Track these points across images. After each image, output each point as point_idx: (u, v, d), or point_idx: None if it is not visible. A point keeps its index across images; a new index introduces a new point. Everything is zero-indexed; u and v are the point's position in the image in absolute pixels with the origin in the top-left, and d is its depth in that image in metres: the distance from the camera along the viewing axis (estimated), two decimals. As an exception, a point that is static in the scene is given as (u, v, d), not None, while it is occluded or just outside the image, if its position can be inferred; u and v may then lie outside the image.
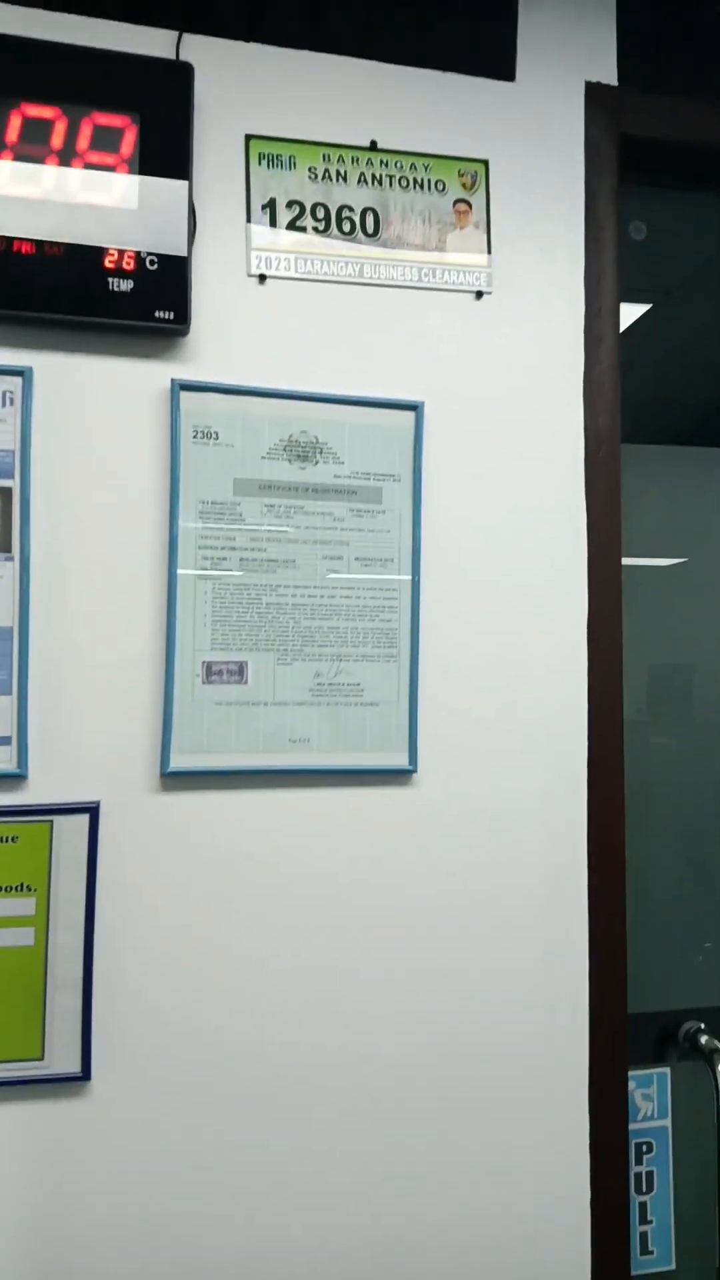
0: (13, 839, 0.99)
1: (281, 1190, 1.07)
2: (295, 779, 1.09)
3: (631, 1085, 1.23)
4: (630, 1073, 1.21)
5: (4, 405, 1.02)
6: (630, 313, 1.36)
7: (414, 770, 1.12)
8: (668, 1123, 1.26)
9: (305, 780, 1.10)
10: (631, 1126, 1.22)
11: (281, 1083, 1.07)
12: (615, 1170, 1.18)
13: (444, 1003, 1.12)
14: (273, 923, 1.08)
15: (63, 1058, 1.00)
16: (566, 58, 1.23)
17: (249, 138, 1.11)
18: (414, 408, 1.13)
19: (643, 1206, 1.23)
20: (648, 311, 1.40)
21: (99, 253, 1.03)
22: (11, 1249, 1.01)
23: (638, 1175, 1.24)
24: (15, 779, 1.01)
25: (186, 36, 1.10)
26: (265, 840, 1.08)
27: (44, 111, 1.03)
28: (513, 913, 1.15)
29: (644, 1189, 1.24)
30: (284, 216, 1.12)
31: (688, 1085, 1.29)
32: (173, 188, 1.05)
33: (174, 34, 1.09)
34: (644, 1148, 1.24)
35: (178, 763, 1.05)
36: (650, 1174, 1.24)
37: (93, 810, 1.02)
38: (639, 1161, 1.24)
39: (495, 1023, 1.14)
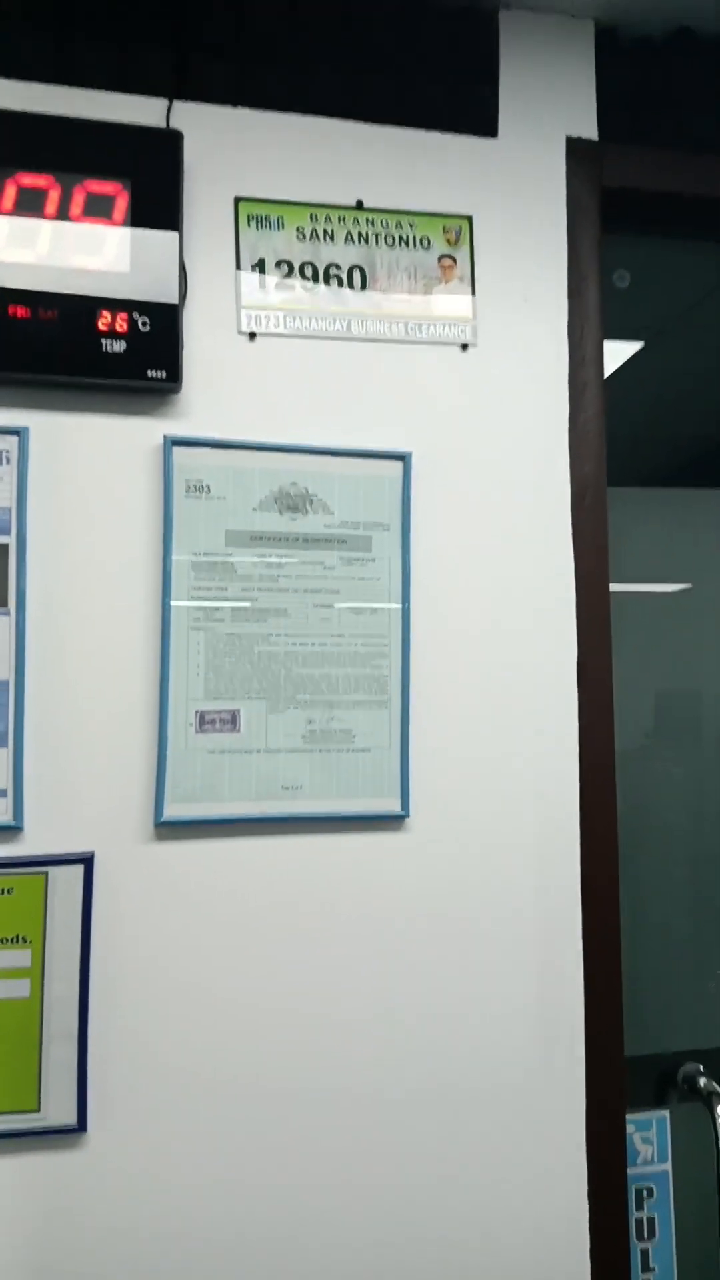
0: (8, 891, 1.00)
1: (279, 1238, 1.07)
2: (288, 826, 1.10)
3: (630, 1128, 1.22)
4: (629, 1116, 1.21)
5: (1, 464, 1.05)
6: (615, 359, 1.38)
7: (406, 815, 1.13)
8: (668, 1167, 1.25)
9: (298, 827, 1.10)
10: (631, 1171, 1.22)
11: (278, 1129, 1.07)
12: (615, 1216, 1.17)
13: (438, 1046, 1.12)
14: (267, 969, 1.08)
15: (59, 1109, 1.00)
16: (548, 114, 1.26)
17: (238, 200, 1.15)
18: (402, 458, 1.15)
19: (644, 1254, 1.22)
20: (632, 357, 1.42)
21: (92, 315, 1.06)
22: (8, 1302, 1.01)
23: (638, 1221, 1.23)
24: (11, 831, 1.02)
25: (176, 103, 1.14)
26: (259, 888, 1.09)
27: (38, 180, 1.06)
28: (507, 956, 1.15)
29: (645, 1235, 1.23)
30: (273, 275, 1.15)
31: (687, 1129, 1.28)
32: (164, 250, 1.08)
33: (164, 101, 1.13)
34: (644, 1193, 1.24)
35: (171, 812, 1.06)
36: (651, 1220, 1.23)
37: (88, 861, 1.03)
38: (640, 1207, 1.23)
39: (490, 1066, 1.14)
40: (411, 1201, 1.11)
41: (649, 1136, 1.24)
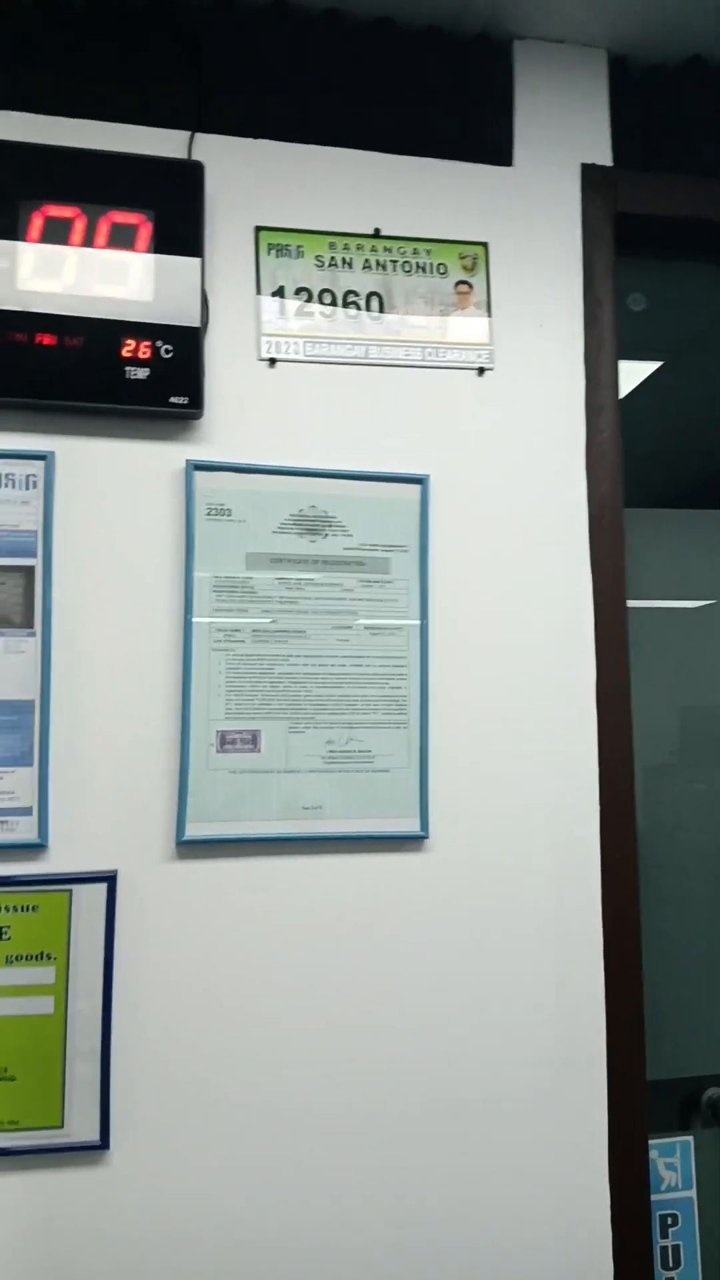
0: (33, 908, 1.02)
1: (299, 1257, 1.07)
2: (309, 846, 1.11)
3: (653, 1154, 1.21)
4: (651, 1140, 1.19)
5: (27, 488, 1.08)
6: (629, 380, 1.39)
7: (426, 836, 1.13)
8: (693, 1194, 1.23)
9: (319, 847, 1.11)
10: (655, 1198, 1.20)
11: (297, 1146, 1.07)
12: (640, 1244, 1.15)
13: (458, 1066, 1.12)
14: (286, 988, 1.09)
15: (82, 1126, 1.01)
16: (562, 141, 1.28)
17: (258, 229, 1.17)
18: (420, 481, 1.17)
19: (668, 1282, 1.21)
20: (647, 379, 1.43)
21: (117, 343, 1.09)
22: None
23: (663, 1249, 1.21)
24: (36, 849, 1.04)
25: (197, 135, 1.17)
26: (279, 907, 1.09)
27: (65, 211, 1.09)
28: (526, 977, 1.15)
29: (670, 1264, 1.21)
30: (292, 303, 1.17)
31: (712, 1154, 1.26)
32: (186, 278, 1.11)
33: (186, 134, 1.16)
34: (669, 1220, 1.22)
35: (193, 831, 1.07)
36: (676, 1248, 1.21)
37: (111, 879, 1.04)
38: (664, 1235, 1.22)
39: (509, 1086, 1.13)
40: (430, 1223, 1.10)
41: (673, 1162, 1.23)
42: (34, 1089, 1.00)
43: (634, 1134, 1.16)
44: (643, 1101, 1.16)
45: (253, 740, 1.11)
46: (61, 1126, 1.00)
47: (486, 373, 1.21)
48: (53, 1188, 1.01)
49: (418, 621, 1.15)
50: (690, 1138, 1.25)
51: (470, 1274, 1.10)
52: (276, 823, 1.10)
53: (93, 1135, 1.01)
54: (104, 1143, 1.01)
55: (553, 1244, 1.12)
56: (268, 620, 1.12)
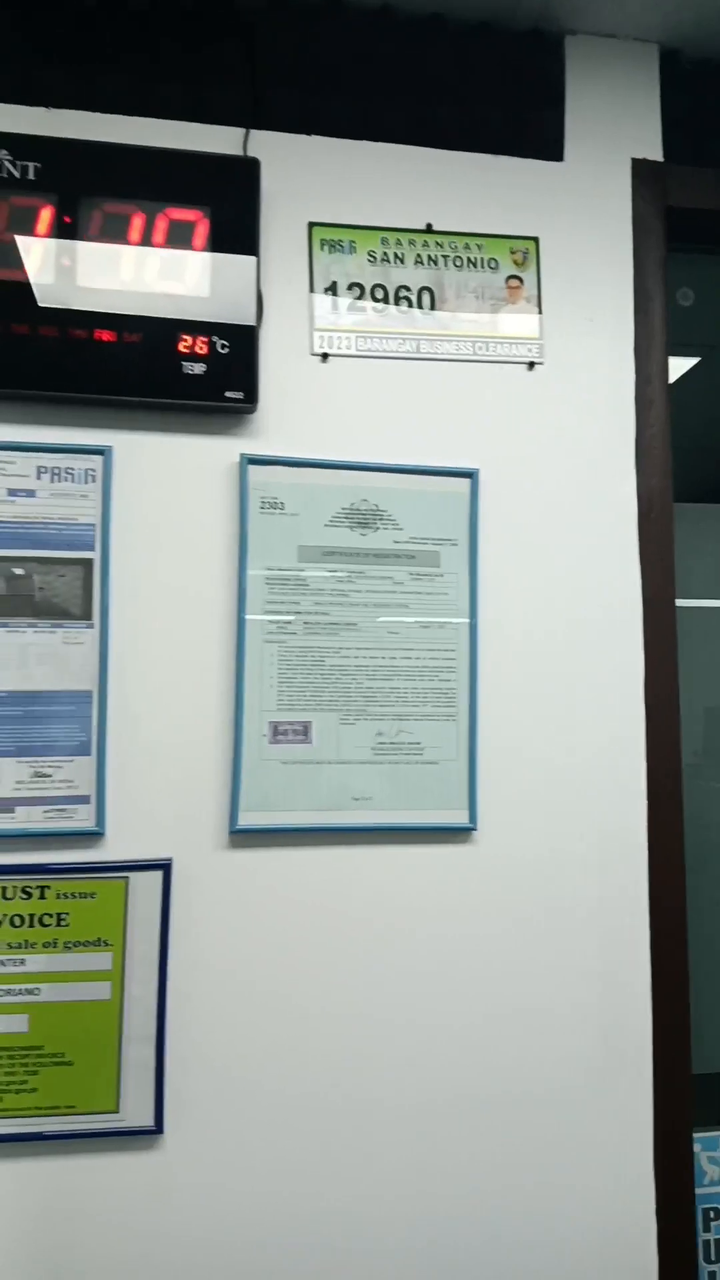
0: (91, 895, 1.03)
1: (348, 1243, 1.08)
2: (358, 836, 1.12)
3: (696, 1148, 1.21)
4: (695, 1134, 1.20)
5: (86, 482, 1.09)
6: (676, 373, 1.39)
7: (474, 828, 1.14)
8: (736, 1188, 1.24)
9: (368, 838, 1.12)
10: (698, 1191, 1.21)
11: (343, 1135, 1.09)
12: (683, 1236, 1.16)
13: (503, 1058, 1.13)
14: (335, 977, 1.10)
15: (137, 1110, 1.03)
16: (613, 136, 1.28)
17: (312, 225, 1.18)
18: (470, 475, 1.17)
19: (712, 1276, 1.21)
20: (694, 371, 1.43)
21: (174, 338, 1.10)
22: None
23: (706, 1243, 1.22)
24: (94, 836, 1.05)
25: (252, 132, 1.18)
26: (329, 896, 1.10)
27: (123, 208, 1.11)
28: (572, 968, 1.16)
29: (713, 1257, 1.21)
30: (345, 298, 1.18)
31: (755, 1149, 1.27)
32: (242, 274, 1.12)
33: (240, 131, 1.17)
34: (711, 1214, 1.22)
35: (245, 821, 1.09)
36: None
37: (166, 867, 1.06)
38: (706, 1229, 1.22)
39: (555, 1078, 1.14)
40: (475, 1213, 1.11)
41: (716, 1156, 1.23)
42: (90, 1073, 1.02)
43: (678, 1127, 1.17)
44: (687, 1095, 1.17)
45: (304, 731, 1.12)
46: (117, 1111, 1.02)
47: (536, 367, 1.22)
48: (109, 1171, 1.03)
49: (467, 615, 1.16)
50: (733, 1133, 1.26)
51: (515, 1265, 1.11)
52: (327, 813, 1.11)
53: (147, 1120, 1.03)
54: (158, 1127, 1.03)
55: (597, 1236, 1.13)
56: (319, 613, 1.14)
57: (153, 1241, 1.03)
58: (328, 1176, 1.08)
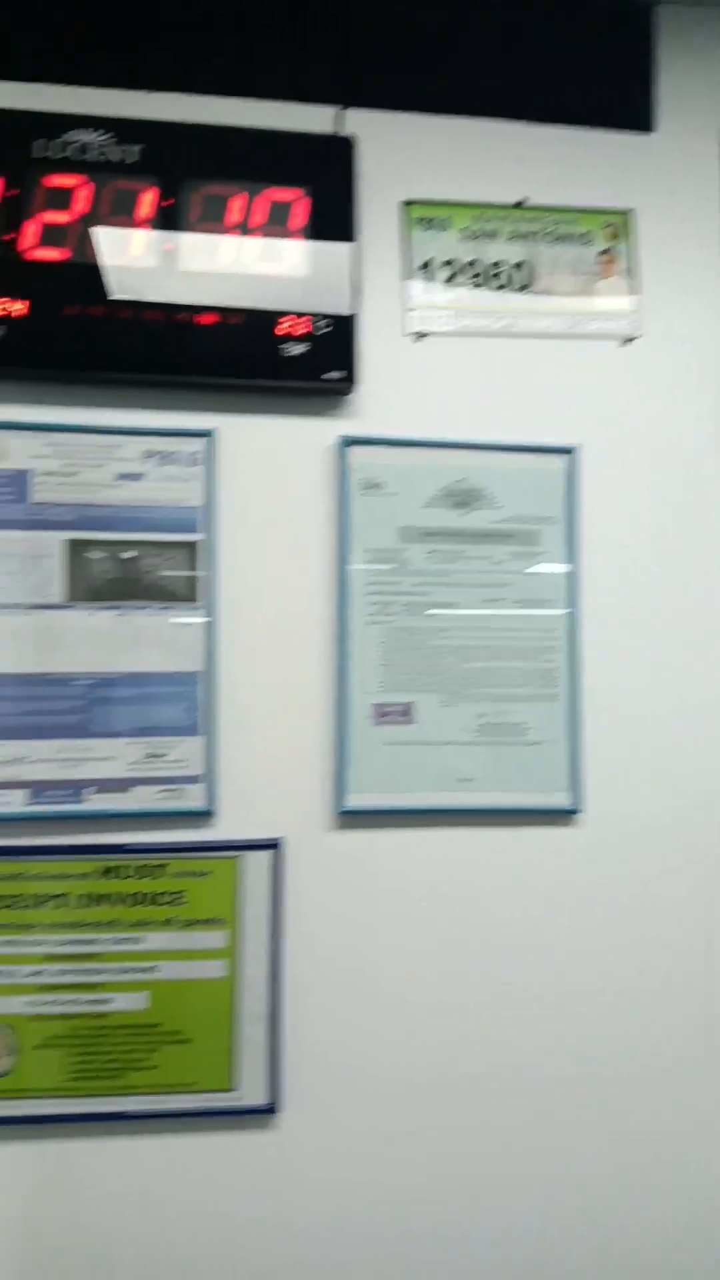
0: (205, 874, 1.04)
1: (461, 1219, 1.09)
2: (461, 818, 1.12)
3: None
4: None
5: (190, 465, 1.10)
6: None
7: (577, 810, 1.13)
8: None
9: (471, 820, 1.12)
10: None
11: (458, 1113, 1.09)
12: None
13: (607, 1038, 1.12)
14: (443, 957, 1.10)
15: (252, 1090, 1.03)
16: (704, 106, 1.25)
17: (406, 203, 1.17)
18: (568, 451, 1.16)
19: None
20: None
21: (273, 320, 1.10)
22: (205, 1265, 1.05)
23: None
24: (206, 816, 1.06)
25: (345, 110, 1.17)
26: (434, 877, 1.10)
27: (223, 190, 1.11)
28: (675, 950, 1.14)
29: None
30: (439, 275, 1.17)
31: None
32: (339, 255, 1.11)
33: (335, 109, 1.16)
34: None
35: (352, 801, 1.09)
36: None
37: (276, 846, 1.06)
38: None
39: (659, 1060, 1.13)
40: (581, 1193, 1.11)
41: None
42: (207, 1052, 1.02)
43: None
44: None
45: (407, 713, 1.12)
46: (233, 1090, 1.03)
47: (632, 341, 1.20)
48: (224, 1149, 1.04)
49: (567, 593, 1.15)
50: None
51: (627, 1241, 1.11)
52: (430, 794, 1.11)
53: (263, 1099, 1.03)
54: (273, 1107, 1.04)
55: (706, 1213, 1.13)
56: (420, 594, 1.13)
57: (268, 1219, 1.04)
58: (441, 1156, 1.08)
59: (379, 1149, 1.07)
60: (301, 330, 1.10)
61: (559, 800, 1.13)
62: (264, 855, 1.06)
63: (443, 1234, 1.07)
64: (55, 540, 1.07)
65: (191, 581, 1.08)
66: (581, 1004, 1.12)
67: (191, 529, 1.09)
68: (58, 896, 1.02)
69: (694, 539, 1.20)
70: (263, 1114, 1.04)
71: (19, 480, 1.07)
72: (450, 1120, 1.08)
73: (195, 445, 1.09)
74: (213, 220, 1.10)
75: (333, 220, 1.12)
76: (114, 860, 1.03)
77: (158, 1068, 1.02)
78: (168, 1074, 1.02)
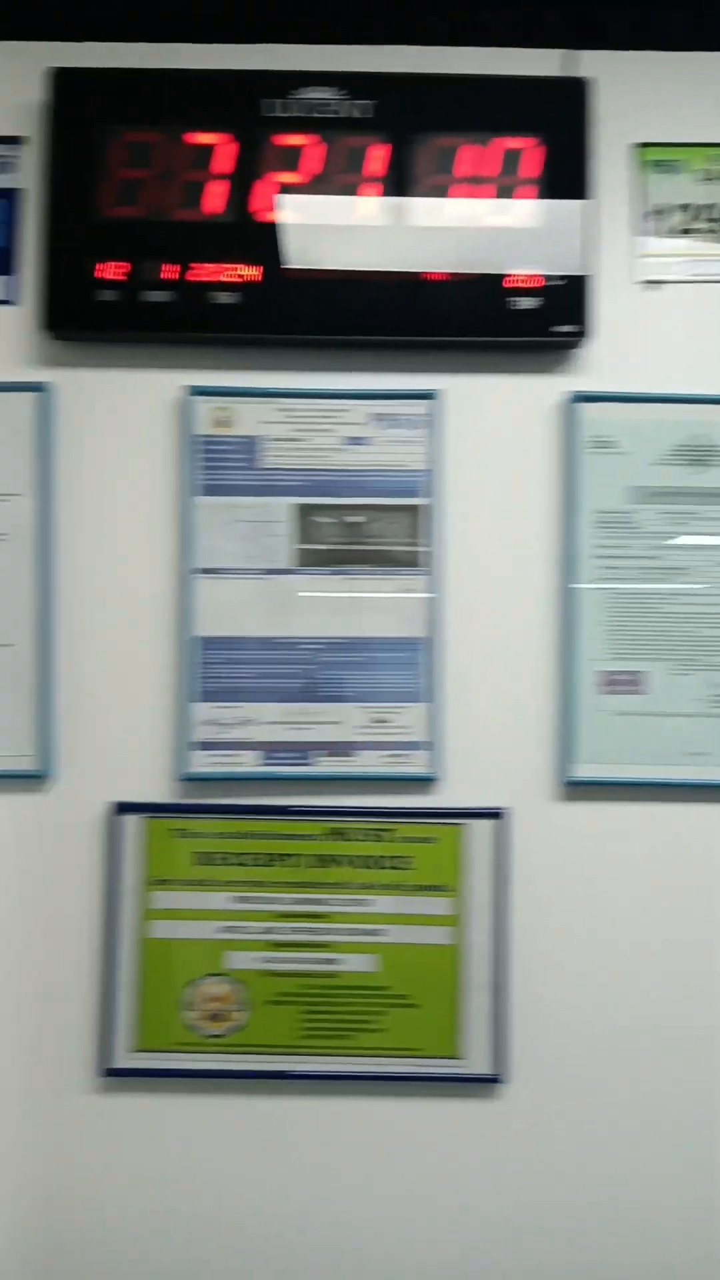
0: (431, 840, 1.04)
1: (690, 1200, 1.05)
2: (692, 793, 1.06)
3: None
4: None
5: (416, 427, 1.08)
6: None
7: None
8: None
9: (703, 795, 1.06)
10: None
11: (686, 1091, 1.04)
12: None
13: None
14: (672, 935, 1.05)
15: (478, 1058, 1.02)
16: None
17: (639, 146, 1.11)
18: None
19: None
20: None
21: (503, 274, 1.06)
22: (421, 1236, 1.04)
23: None
24: (430, 782, 1.05)
25: (576, 52, 1.11)
26: (663, 852, 1.06)
27: (453, 141, 1.07)
28: None
29: None
30: (674, 221, 1.11)
31: None
32: (572, 204, 1.06)
33: (564, 52, 1.11)
34: None
35: (578, 772, 1.06)
36: None
37: (502, 815, 1.04)
38: None
39: None
40: None
41: None
42: (435, 1018, 1.02)
43: None
44: None
45: (635, 682, 1.07)
46: (459, 1058, 1.03)
47: None
48: (449, 1117, 1.04)
49: None
50: None
51: None
52: (659, 767, 1.06)
53: (489, 1068, 1.02)
54: (500, 1077, 1.02)
55: None
56: (650, 557, 1.08)
57: (491, 1189, 1.03)
58: (668, 1136, 1.04)
59: (603, 1123, 1.04)
60: (532, 283, 1.06)
61: None
62: (490, 824, 1.03)
63: (656, 1217, 1.04)
64: (284, 505, 1.08)
65: (416, 546, 1.07)
66: None
67: (417, 493, 1.07)
68: (287, 856, 1.04)
69: None
70: (488, 1083, 1.03)
71: (249, 446, 1.09)
72: (679, 1100, 1.04)
73: (421, 407, 1.07)
74: (442, 174, 1.07)
75: (567, 169, 1.07)
76: (342, 823, 1.04)
77: (386, 1031, 1.02)
78: (395, 1038, 1.02)
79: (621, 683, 1.07)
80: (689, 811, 1.06)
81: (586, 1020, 1.05)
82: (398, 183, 1.07)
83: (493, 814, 1.04)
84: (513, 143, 1.07)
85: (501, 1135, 1.04)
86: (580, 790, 1.06)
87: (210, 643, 1.07)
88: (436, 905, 1.03)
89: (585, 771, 1.06)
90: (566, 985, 1.05)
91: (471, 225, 1.06)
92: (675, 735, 1.06)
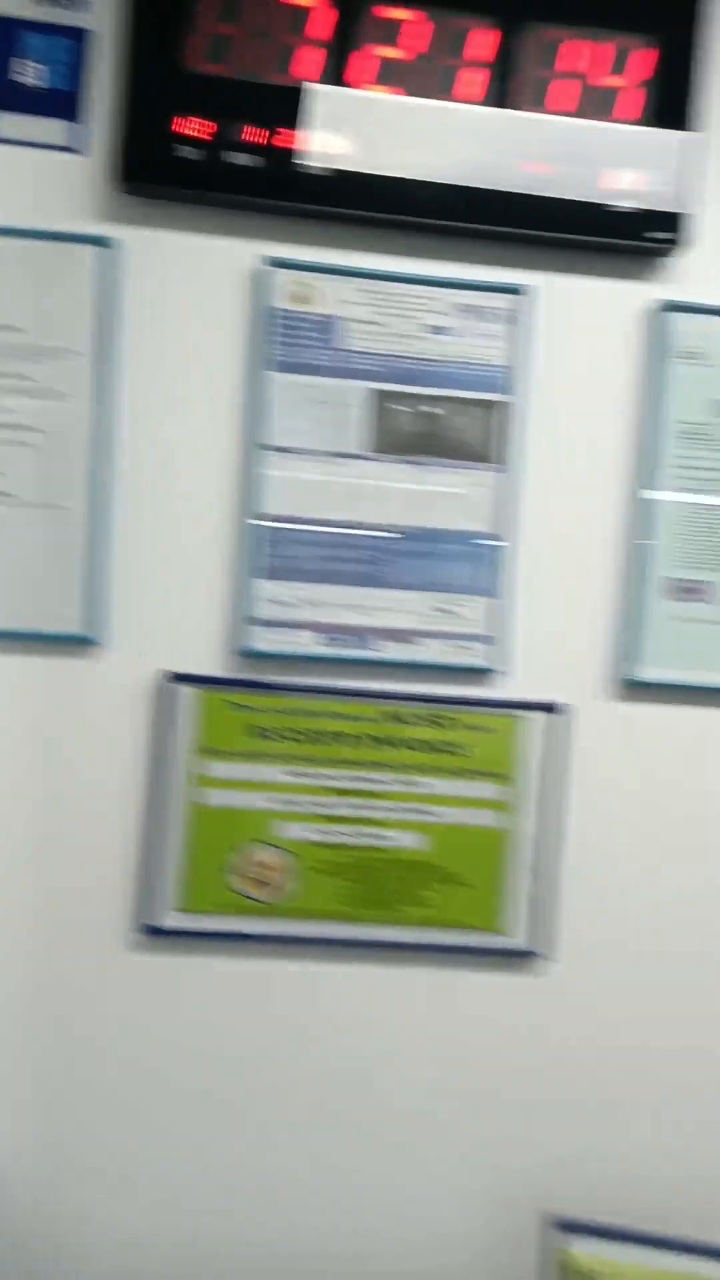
0: (489, 729, 1.06)
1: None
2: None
3: None
4: None
5: (502, 322, 1.07)
6: None
7: None
8: None
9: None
10: None
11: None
12: None
13: None
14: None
15: (527, 935, 1.07)
16: None
17: (747, 49, 1.10)
18: None
19: None
20: None
21: (601, 173, 1.05)
22: (461, 1113, 1.10)
23: None
24: (491, 674, 1.08)
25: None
26: (717, 754, 1.11)
27: (564, 34, 1.03)
28: None
29: None
30: (777, 131, 1.11)
31: None
32: (676, 106, 1.04)
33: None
34: None
35: (641, 673, 1.08)
36: None
37: (560, 709, 1.07)
38: None
39: None
40: None
41: None
42: (480, 895, 1.06)
43: None
44: None
45: (703, 591, 1.10)
46: (504, 933, 1.07)
47: None
48: (491, 988, 1.09)
49: None
50: None
51: None
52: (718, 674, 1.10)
53: (536, 945, 1.07)
54: (541, 953, 1.07)
55: None
56: (725, 472, 1.10)
57: (525, 1056, 1.09)
58: (705, 1022, 1.11)
59: (644, 1006, 1.10)
60: (631, 185, 1.05)
61: None
62: (549, 717, 1.07)
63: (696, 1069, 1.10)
64: (361, 389, 1.08)
65: (495, 442, 1.07)
66: None
67: (499, 388, 1.07)
68: (344, 735, 1.06)
69: None
70: (530, 957, 1.08)
71: (328, 326, 1.07)
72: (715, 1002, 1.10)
73: (508, 301, 1.06)
74: (549, 66, 1.04)
75: (675, 72, 1.04)
76: (401, 707, 1.07)
77: (432, 905, 1.06)
78: (441, 911, 1.06)
79: (688, 590, 1.10)
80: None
81: (634, 907, 1.10)
82: (502, 70, 1.05)
83: (552, 708, 1.07)
84: (626, 42, 1.05)
85: (540, 1006, 1.09)
86: (641, 691, 1.09)
87: (276, 520, 1.07)
88: (490, 790, 1.06)
89: (647, 673, 1.09)
90: (617, 874, 1.10)
91: (575, 121, 1.05)
92: (737, 645, 1.10)
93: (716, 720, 1.10)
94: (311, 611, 1.08)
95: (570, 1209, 1.04)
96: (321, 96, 1.04)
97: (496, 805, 1.07)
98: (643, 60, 1.05)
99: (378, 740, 1.06)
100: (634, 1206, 1.07)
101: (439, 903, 1.06)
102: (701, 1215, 1.08)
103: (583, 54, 1.05)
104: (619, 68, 1.05)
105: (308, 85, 1.04)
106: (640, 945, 1.10)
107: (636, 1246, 0.95)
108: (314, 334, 1.08)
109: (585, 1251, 0.96)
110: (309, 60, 1.05)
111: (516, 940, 1.07)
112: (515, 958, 1.08)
